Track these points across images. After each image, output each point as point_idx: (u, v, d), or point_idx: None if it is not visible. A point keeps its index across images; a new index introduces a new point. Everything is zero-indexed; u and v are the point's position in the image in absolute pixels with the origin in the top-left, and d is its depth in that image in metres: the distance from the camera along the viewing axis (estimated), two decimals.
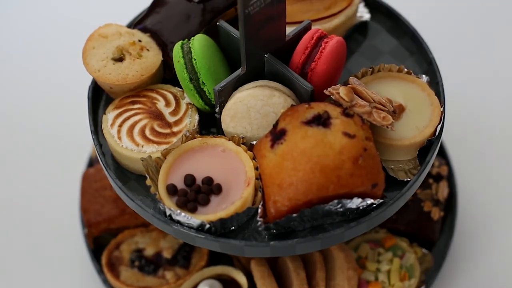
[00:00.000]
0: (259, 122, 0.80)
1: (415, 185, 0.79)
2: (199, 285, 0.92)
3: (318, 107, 0.75)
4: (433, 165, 1.01)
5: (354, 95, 0.77)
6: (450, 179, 1.04)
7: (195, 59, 0.80)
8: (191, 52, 0.81)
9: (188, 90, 0.82)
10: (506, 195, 1.07)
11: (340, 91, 0.76)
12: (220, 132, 0.84)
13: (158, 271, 0.96)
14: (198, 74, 0.81)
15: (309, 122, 0.74)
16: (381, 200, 0.76)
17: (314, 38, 0.80)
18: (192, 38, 0.82)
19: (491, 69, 1.19)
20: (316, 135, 0.73)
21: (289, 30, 0.82)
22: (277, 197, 0.74)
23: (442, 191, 0.99)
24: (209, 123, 0.86)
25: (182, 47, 0.81)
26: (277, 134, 0.75)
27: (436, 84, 0.86)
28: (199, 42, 0.81)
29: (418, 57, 0.91)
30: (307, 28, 0.82)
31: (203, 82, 0.81)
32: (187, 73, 0.81)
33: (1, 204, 1.09)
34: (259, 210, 0.75)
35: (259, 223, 0.76)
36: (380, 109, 0.77)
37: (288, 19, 0.85)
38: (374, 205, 0.76)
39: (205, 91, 0.81)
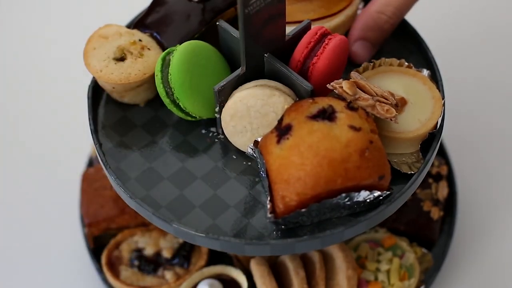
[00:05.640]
0: (259, 121, 0.80)
1: (419, 178, 0.80)
2: (198, 285, 0.92)
3: (322, 102, 0.76)
4: (433, 164, 1.01)
5: (357, 89, 0.77)
6: (450, 178, 1.04)
7: (170, 74, 0.80)
8: (169, 66, 0.81)
9: (166, 103, 0.82)
10: (506, 195, 1.07)
11: (343, 85, 0.76)
12: (219, 131, 0.84)
13: (158, 270, 0.96)
14: (173, 89, 0.81)
15: (315, 117, 0.75)
16: (387, 192, 0.77)
17: (318, 34, 0.80)
18: (176, 48, 0.82)
19: (491, 69, 1.19)
20: (322, 129, 0.74)
21: (289, 30, 0.82)
22: (285, 192, 0.74)
23: (442, 190, 0.99)
24: (209, 123, 0.86)
25: (163, 59, 0.81)
26: (282, 130, 0.75)
27: (436, 84, 0.86)
28: (179, 55, 0.80)
29: (418, 57, 0.91)
30: (307, 28, 0.82)
31: (177, 97, 0.81)
32: (163, 88, 0.81)
33: (1, 204, 1.09)
34: (268, 206, 0.75)
35: (268, 219, 0.76)
36: (383, 102, 0.77)
37: (288, 19, 0.85)
38: (381, 197, 0.77)
39: (181, 106, 0.81)
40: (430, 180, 1.00)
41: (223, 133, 0.84)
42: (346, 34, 0.92)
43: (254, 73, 0.81)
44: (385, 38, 0.90)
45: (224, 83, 0.80)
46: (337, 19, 0.90)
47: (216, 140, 0.85)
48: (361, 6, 0.95)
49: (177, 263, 0.96)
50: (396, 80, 0.84)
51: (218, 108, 0.81)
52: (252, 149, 0.79)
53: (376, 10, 0.89)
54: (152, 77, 0.84)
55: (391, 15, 0.88)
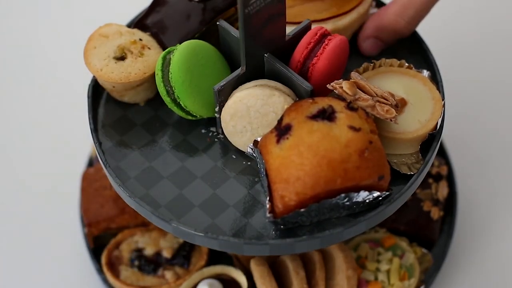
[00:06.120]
0: (259, 121, 0.80)
1: (419, 178, 0.79)
2: (198, 285, 0.92)
3: (322, 102, 0.76)
4: (433, 164, 1.01)
5: (357, 89, 0.77)
6: (450, 179, 1.04)
7: (171, 73, 0.80)
8: (170, 65, 0.81)
9: (167, 102, 0.82)
10: (506, 194, 1.07)
11: (343, 85, 0.76)
12: (219, 131, 0.84)
13: (158, 270, 0.96)
14: (173, 88, 0.81)
15: (314, 117, 0.75)
16: (387, 193, 0.77)
17: (318, 34, 0.80)
18: (176, 47, 0.82)
19: (491, 69, 1.19)
20: (322, 129, 0.74)
21: (290, 30, 0.82)
22: (284, 192, 0.74)
23: (442, 190, 0.99)
24: (209, 122, 0.86)
25: (164, 58, 0.81)
26: (282, 130, 0.75)
27: (436, 84, 0.86)
28: (179, 54, 0.80)
29: (418, 57, 0.91)
30: (307, 28, 0.82)
31: (178, 96, 0.81)
32: (164, 87, 0.81)
33: (1, 204, 1.09)
34: (267, 206, 0.75)
35: (267, 218, 0.76)
36: (383, 103, 0.77)
37: (301, 19, 0.85)
38: (380, 198, 0.77)
39: (181, 105, 0.82)
40: (430, 180, 1.00)
41: (223, 133, 0.84)
42: (359, 31, 0.92)
43: (254, 73, 0.81)
44: (399, 39, 0.90)
45: (224, 83, 0.80)
46: (349, 17, 0.89)
47: (216, 139, 0.85)
48: (373, 3, 0.94)
49: (177, 263, 0.96)
50: (396, 81, 0.84)
51: (218, 108, 0.81)
52: (252, 149, 0.79)
53: (394, 12, 0.87)
54: (152, 76, 0.84)
55: (410, 20, 0.87)
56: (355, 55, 0.92)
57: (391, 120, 0.76)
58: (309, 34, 0.81)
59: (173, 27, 0.86)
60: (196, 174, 0.82)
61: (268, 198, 0.76)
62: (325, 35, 0.81)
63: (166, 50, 0.82)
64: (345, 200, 0.75)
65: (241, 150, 0.83)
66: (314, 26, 0.84)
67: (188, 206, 0.80)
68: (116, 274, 0.96)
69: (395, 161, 0.81)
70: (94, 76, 0.87)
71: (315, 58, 0.80)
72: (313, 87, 0.79)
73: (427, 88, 0.83)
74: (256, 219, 0.79)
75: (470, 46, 1.22)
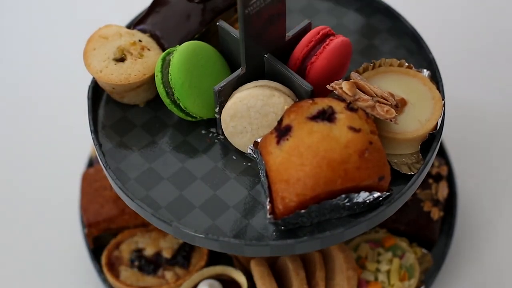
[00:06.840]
0: (259, 122, 0.80)
1: (419, 179, 0.80)
2: (198, 285, 0.92)
3: (322, 102, 0.76)
4: (433, 165, 1.01)
5: (357, 89, 0.77)
6: (450, 179, 1.04)
7: (171, 74, 0.80)
8: (169, 66, 0.81)
9: (167, 103, 0.82)
10: (506, 195, 1.07)
11: (343, 86, 0.76)
12: (219, 132, 0.84)
13: (158, 271, 0.96)
14: (173, 89, 0.81)
15: (314, 118, 0.75)
16: (387, 193, 0.77)
17: (320, 34, 0.80)
18: (176, 48, 0.82)
19: (491, 69, 1.19)
20: (322, 130, 0.74)
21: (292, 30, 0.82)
22: (285, 193, 0.74)
23: (442, 191, 0.99)
24: (209, 123, 0.86)
25: (163, 59, 0.81)
26: (282, 131, 0.75)
27: (436, 84, 0.86)
28: (179, 55, 0.80)
29: (418, 57, 0.91)
30: (307, 28, 0.82)
31: (177, 97, 0.81)
32: (163, 88, 0.81)
33: (1, 204, 1.09)
34: (268, 207, 0.75)
35: (268, 219, 0.76)
36: (383, 103, 0.77)
37: None
38: (381, 198, 0.77)
39: (181, 106, 0.82)
40: (430, 181, 1.00)
41: (223, 134, 0.84)
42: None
43: (254, 74, 0.81)
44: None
45: (224, 83, 0.80)
46: None
47: (216, 140, 0.85)
48: None
49: (177, 264, 0.96)
50: (396, 81, 0.84)
51: (218, 108, 0.81)
52: (252, 150, 0.79)
53: None
54: (152, 77, 0.84)
55: None
56: (355, 56, 0.92)
57: (391, 120, 0.76)
58: (311, 33, 0.81)
59: (172, 28, 0.86)
60: (196, 175, 0.82)
61: (268, 199, 0.76)
62: (328, 35, 0.81)
63: (166, 51, 0.82)
64: (346, 200, 0.75)
65: (241, 151, 0.83)
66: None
67: (189, 207, 0.80)
68: (116, 274, 0.96)
69: (395, 161, 0.81)
70: (94, 78, 0.87)
71: (314, 57, 0.80)
72: (311, 86, 0.79)
73: (427, 87, 0.83)
74: (256, 220, 0.79)
75: (471, 45, 1.22)
